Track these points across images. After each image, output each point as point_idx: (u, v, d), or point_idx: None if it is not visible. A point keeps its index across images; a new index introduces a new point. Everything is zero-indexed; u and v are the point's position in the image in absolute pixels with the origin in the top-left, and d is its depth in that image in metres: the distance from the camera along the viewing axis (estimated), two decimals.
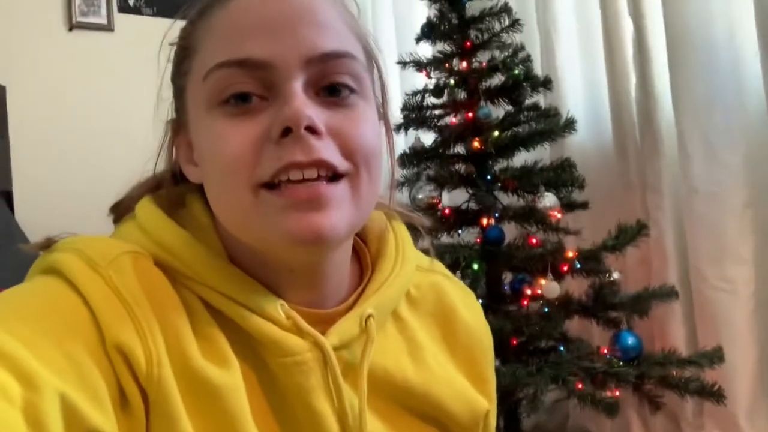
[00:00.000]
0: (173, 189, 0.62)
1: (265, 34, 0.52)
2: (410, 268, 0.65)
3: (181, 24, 0.61)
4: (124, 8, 2.76)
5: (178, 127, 0.60)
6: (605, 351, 1.44)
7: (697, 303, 1.65)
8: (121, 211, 0.64)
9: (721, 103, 1.60)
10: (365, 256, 0.65)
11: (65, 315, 0.49)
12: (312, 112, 0.51)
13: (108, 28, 2.69)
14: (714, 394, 1.40)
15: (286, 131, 0.51)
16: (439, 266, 0.72)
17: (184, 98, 0.58)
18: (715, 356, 1.44)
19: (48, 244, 0.57)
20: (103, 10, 2.70)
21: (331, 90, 0.54)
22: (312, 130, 0.51)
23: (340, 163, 0.52)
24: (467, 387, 0.67)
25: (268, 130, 0.51)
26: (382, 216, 0.65)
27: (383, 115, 0.61)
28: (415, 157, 1.71)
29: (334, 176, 0.52)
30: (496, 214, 1.57)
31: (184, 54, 0.58)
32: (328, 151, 0.52)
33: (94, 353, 0.48)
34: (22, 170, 2.42)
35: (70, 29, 2.65)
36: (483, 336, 0.70)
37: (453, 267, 1.55)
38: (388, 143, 0.61)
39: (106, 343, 0.49)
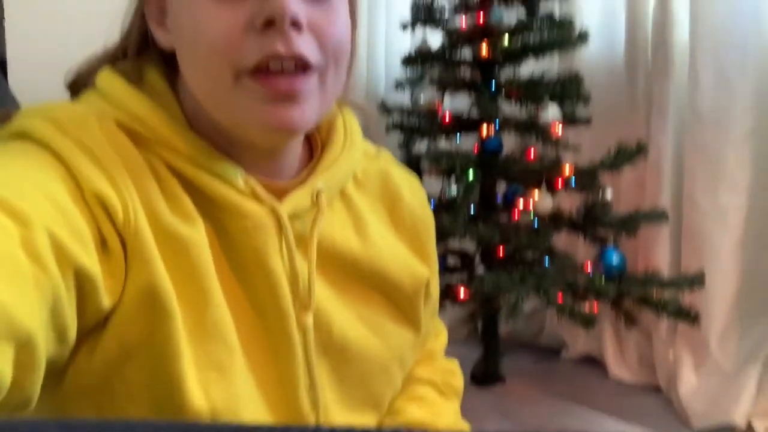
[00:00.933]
0: (132, 62, 0.63)
1: None
2: (358, 152, 0.70)
3: None
4: None
5: None
6: (589, 267, 1.46)
7: (686, 227, 1.67)
8: (78, 86, 0.65)
9: (738, 32, 1.56)
10: (315, 138, 0.70)
11: (43, 168, 0.51)
12: (296, 7, 0.54)
13: None
14: (689, 317, 1.43)
15: (270, 23, 0.53)
16: (386, 153, 0.77)
17: None
18: (696, 280, 1.47)
19: (8, 115, 0.57)
20: None
21: None
22: (295, 24, 0.54)
23: (315, 57, 0.56)
24: (409, 257, 0.73)
25: (252, 18, 0.54)
26: (333, 103, 0.68)
27: (352, 7, 0.63)
28: (420, 58, 1.67)
29: (306, 67, 0.55)
30: (497, 123, 1.55)
31: None
32: (306, 45, 0.55)
33: (75, 200, 0.50)
34: (16, 36, 2.36)
35: None
36: (426, 217, 0.76)
37: (448, 173, 1.55)
38: (352, 36, 0.63)
39: (85, 193, 0.51)
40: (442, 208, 1.55)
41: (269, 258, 0.60)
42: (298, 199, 0.63)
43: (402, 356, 0.72)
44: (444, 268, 1.59)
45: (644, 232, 1.59)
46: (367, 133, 0.81)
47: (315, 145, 0.70)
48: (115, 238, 0.52)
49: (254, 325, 0.61)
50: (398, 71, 1.75)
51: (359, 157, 0.71)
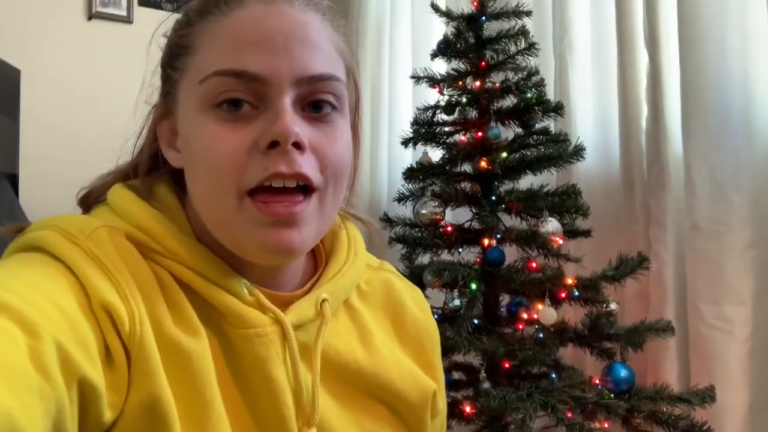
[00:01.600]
0: (143, 179, 0.66)
1: (263, 49, 0.57)
2: (361, 263, 0.72)
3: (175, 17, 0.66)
4: (144, 1, 2.78)
5: (165, 112, 0.64)
6: (597, 381, 1.43)
7: (693, 340, 1.64)
8: (90, 201, 0.68)
9: (730, 143, 1.60)
10: (320, 250, 0.71)
11: (54, 278, 0.52)
12: (299, 128, 0.57)
13: (127, 20, 2.71)
14: None
15: (274, 144, 0.56)
16: (388, 266, 0.79)
17: (176, 90, 0.62)
18: (707, 395, 1.43)
19: (21, 228, 0.60)
20: (124, 2, 2.73)
21: (315, 106, 0.59)
22: (297, 145, 0.57)
23: (316, 178, 0.58)
24: (415, 369, 0.72)
25: (257, 140, 0.57)
26: (336, 216, 0.70)
27: (355, 125, 0.67)
28: (421, 171, 1.71)
29: (306, 188, 0.58)
30: (498, 236, 1.56)
31: (180, 51, 0.61)
32: (307, 165, 0.58)
33: (83, 310, 0.52)
34: (29, 154, 2.42)
35: (89, 18, 2.67)
36: (430, 328, 0.77)
37: (451, 285, 1.54)
38: (355, 152, 0.67)
39: (92, 304, 0.52)
40: (445, 320, 1.53)
41: (273, 368, 0.60)
42: (302, 309, 0.63)
43: None
44: (449, 384, 1.55)
45: (651, 344, 1.56)
46: (370, 245, 0.82)
47: (319, 257, 0.71)
48: (120, 350, 0.53)
49: None
50: (400, 184, 1.78)
51: (363, 269, 0.72)
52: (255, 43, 0.57)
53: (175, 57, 0.62)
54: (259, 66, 0.57)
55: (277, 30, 0.58)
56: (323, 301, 0.65)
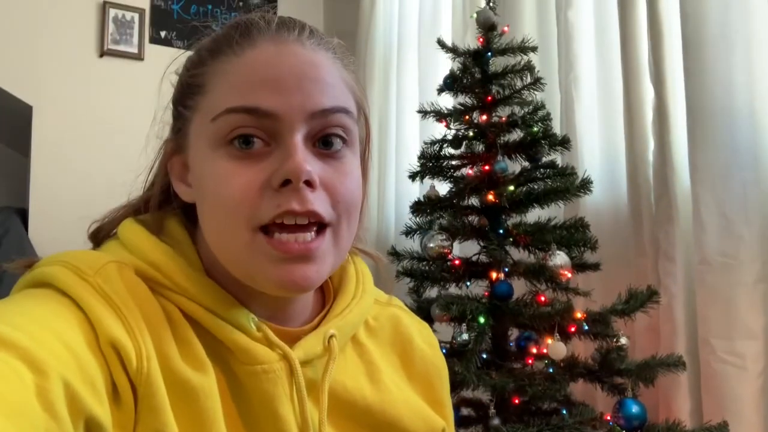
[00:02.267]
0: (154, 213, 0.67)
1: (275, 88, 0.58)
2: (369, 298, 0.72)
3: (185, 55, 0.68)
4: (155, 39, 2.83)
5: (176, 148, 0.65)
6: (608, 418, 1.41)
7: (705, 375, 1.62)
8: (100, 235, 0.69)
9: (738, 176, 1.60)
10: (328, 285, 0.71)
11: (62, 314, 0.52)
12: (310, 166, 0.57)
13: (138, 57, 2.76)
14: None
15: (286, 182, 0.57)
16: (397, 301, 0.79)
17: (187, 128, 0.63)
18: None
19: (30, 264, 0.60)
20: (135, 39, 2.77)
21: (325, 142, 0.60)
22: (308, 183, 0.57)
23: (328, 214, 0.59)
24: (423, 407, 0.72)
25: (269, 178, 0.57)
26: (346, 255, 0.70)
27: (364, 159, 0.69)
28: (429, 205, 1.71)
29: (320, 225, 0.59)
30: (506, 269, 1.56)
31: (192, 90, 0.63)
32: (319, 202, 0.58)
33: (91, 347, 0.52)
34: (40, 189, 2.44)
35: (101, 55, 2.71)
36: (439, 364, 0.77)
37: (459, 319, 1.54)
38: (364, 185, 0.68)
39: (100, 340, 0.53)
40: (453, 355, 1.52)
41: (279, 405, 0.60)
42: (309, 345, 0.63)
43: None
44: (458, 420, 1.53)
45: (663, 379, 1.54)
46: (378, 279, 0.82)
47: (327, 292, 0.71)
48: (127, 387, 0.53)
49: None
50: (408, 218, 1.78)
51: (371, 304, 0.72)
52: (267, 81, 0.58)
53: (186, 95, 0.63)
54: (271, 103, 0.58)
55: (289, 69, 0.59)
56: (331, 337, 0.65)
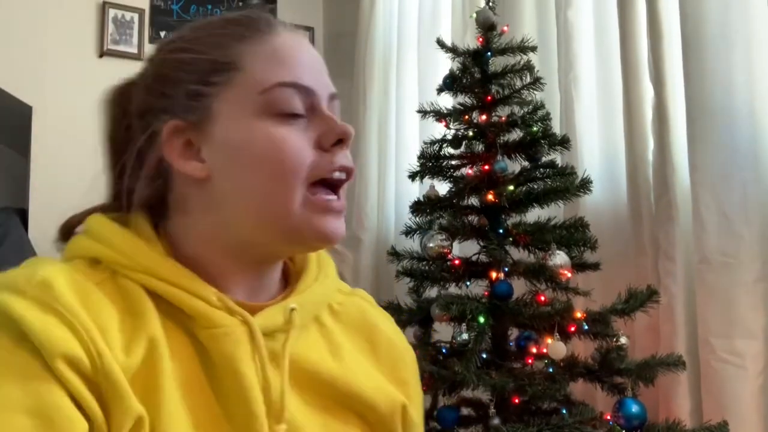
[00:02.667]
0: (120, 214, 0.71)
1: (310, 68, 0.70)
2: (332, 284, 0.78)
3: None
4: (155, 39, 2.83)
5: (183, 126, 0.69)
6: (608, 417, 1.41)
7: (705, 375, 1.62)
8: (68, 231, 0.74)
9: (738, 176, 1.60)
10: (290, 269, 0.77)
11: (12, 367, 0.55)
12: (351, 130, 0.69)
13: (138, 57, 2.75)
14: None
15: (338, 141, 0.68)
16: (362, 292, 0.84)
17: (209, 103, 0.68)
18: (720, 431, 1.40)
19: None
20: (135, 40, 2.77)
21: None
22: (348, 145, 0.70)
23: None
24: (385, 382, 0.76)
25: (318, 140, 0.68)
26: None
27: None
28: (428, 205, 1.71)
29: (347, 177, 0.71)
30: (506, 269, 1.56)
31: (219, 67, 0.68)
32: (351, 162, 0.70)
33: (45, 378, 0.55)
34: (39, 190, 2.44)
35: (101, 56, 2.71)
36: (405, 351, 0.81)
37: (459, 319, 1.54)
38: None
39: (52, 362, 0.55)
40: (453, 354, 1.52)
41: (241, 364, 0.64)
42: (270, 315, 0.68)
43: None
44: (458, 421, 1.53)
45: (662, 379, 1.55)
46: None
47: (289, 275, 0.76)
48: (87, 395, 0.56)
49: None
50: (408, 218, 1.78)
51: (334, 290, 0.78)
52: (302, 62, 0.69)
53: (210, 73, 0.68)
54: (310, 80, 0.69)
55: (312, 56, 0.71)
56: (292, 309, 0.69)
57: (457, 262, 1.63)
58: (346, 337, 0.76)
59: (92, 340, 0.57)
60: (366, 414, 0.73)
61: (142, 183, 0.69)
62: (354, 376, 0.72)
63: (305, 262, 0.77)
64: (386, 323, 0.82)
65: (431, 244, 1.63)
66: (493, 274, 1.55)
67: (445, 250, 1.63)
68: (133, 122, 0.71)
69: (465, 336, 1.54)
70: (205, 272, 0.67)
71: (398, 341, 0.81)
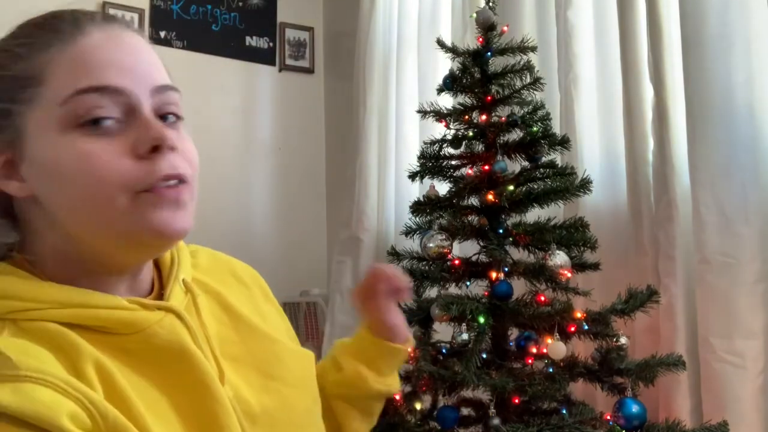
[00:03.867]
0: None
1: (118, 67, 0.64)
2: (185, 252, 0.78)
3: None
4: (155, 39, 2.82)
5: None
6: (608, 417, 1.41)
7: (705, 375, 1.62)
8: None
9: (738, 176, 1.60)
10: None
11: None
12: (170, 133, 0.64)
13: None
14: None
15: (155, 149, 0.62)
16: (194, 246, 0.85)
17: (17, 122, 0.64)
18: (721, 431, 1.40)
19: None
20: None
21: (163, 118, 0.66)
22: (172, 148, 0.64)
23: (188, 173, 0.66)
24: (275, 317, 0.82)
25: (133, 147, 0.62)
26: None
27: None
28: (428, 205, 1.71)
29: (183, 180, 0.65)
30: (506, 269, 1.56)
31: (21, 83, 0.64)
32: (181, 163, 0.65)
33: None
34: None
35: None
36: (251, 270, 0.86)
37: (459, 319, 1.53)
38: None
39: (58, 424, 0.52)
40: (453, 354, 1.52)
41: (189, 346, 0.65)
42: (175, 294, 0.70)
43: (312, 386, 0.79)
44: (458, 421, 1.53)
45: (662, 379, 1.54)
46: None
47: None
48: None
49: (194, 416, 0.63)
50: (408, 218, 1.78)
51: (187, 255, 0.79)
52: (110, 62, 0.63)
53: (13, 91, 0.64)
54: (119, 81, 0.63)
55: (127, 51, 0.65)
56: (184, 280, 0.72)
57: (457, 262, 1.63)
58: (220, 283, 0.79)
59: (76, 389, 0.55)
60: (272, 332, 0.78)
61: None
62: (252, 326, 0.75)
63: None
64: (233, 260, 0.86)
65: (431, 244, 1.63)
66: (493, 274, 1.55)
67: (445, 250, 1.63)
68: None
69: (465, 336, 1.54)
70: (83, 284, 0.64)
71: (243, 266, 0.85)
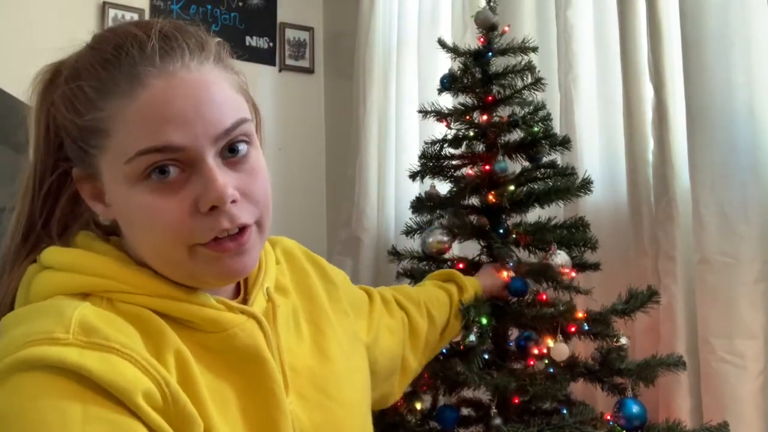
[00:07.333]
0: (58, 240, 0.71)
1: (178, 122, 0.63)
2: (271, 258, 0.83)
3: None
4: None
5: (84, 176, 0.70)
6: (609, 417, 1.41)
7: (705, 375, 1.62)
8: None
9: (737, 176, 1.60)
10: None
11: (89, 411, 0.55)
12: (230, 187, 0.64)
13: None
14: None
15: (214, 207, 0.64)
16: (275, 239, 0.91)
17: (96, 162, 0.67)
18: (720, 431, 1.41)
19: None
20: None
21: (231, 149, 0.66)
22: (233, 202, 0.65)
23: (252, 217, 0.67)
24: (355, 329, 0.91)
25: (195, 203, 0.64)
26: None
27: (259, 137, 0.75)
28: (429, 202, 1.71)
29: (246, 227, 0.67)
30: (511, 265, 1.56)
31: (93, 132, 0.65)
32: (244, 212, 0.66)
33: (127, 419, 0.56)
34: None
35: None
36: (323, 262, 0.93)
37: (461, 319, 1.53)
38: None
39: (133, 400, 0.56)
40: (454, 354, 1.52)
41: (264, 352, 0.69)
42: (258, 301, 0.73)
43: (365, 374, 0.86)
44: (459, 421, 1.53)
45: (663, 379, 1.55)
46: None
47: None
48: (168, 430, 0.59)
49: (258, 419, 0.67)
50: (408, 218, 1.79)
51: (274, 263, 0.84)
52: (169, 118, 0.62)
53: (88, 137, 0.66)
54: (178, 138, 0.62)
55: (185, 101, 0.63)
56: (267, 288, 0.75)
57: (461, 265, 1.63)
58: (306, 293, 0.84)
59: (156, 370, 0.59)
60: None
61: (60, 211, 0.71)
62: (334, 371, 0.79)
63: None
64: (300, 250, 0.91)
65: (430, 239, 1.63)
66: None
67: (445, 246, 1.63)
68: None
69: (473, 338, 1.53)
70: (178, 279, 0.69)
71: (323, 261, 0.92)
